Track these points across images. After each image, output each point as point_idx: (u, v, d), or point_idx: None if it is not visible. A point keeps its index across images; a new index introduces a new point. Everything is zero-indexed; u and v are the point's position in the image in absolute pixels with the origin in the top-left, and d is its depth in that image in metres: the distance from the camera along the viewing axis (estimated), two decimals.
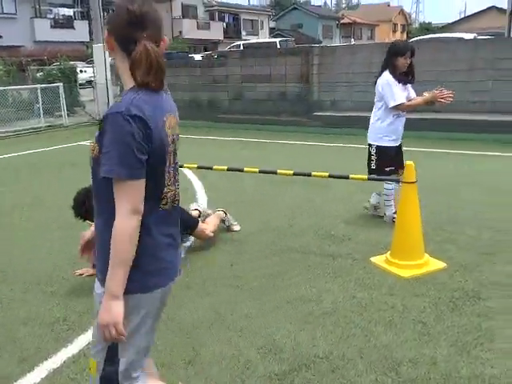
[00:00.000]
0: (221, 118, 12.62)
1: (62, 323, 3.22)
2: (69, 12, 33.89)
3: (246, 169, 4.63)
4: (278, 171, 4.56)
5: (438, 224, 4.68)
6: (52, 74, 15.40)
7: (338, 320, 3.12)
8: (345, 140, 9.41)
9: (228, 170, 4.72)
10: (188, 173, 7.01)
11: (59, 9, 33.50)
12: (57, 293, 3.65)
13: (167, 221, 1.66)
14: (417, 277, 3.67)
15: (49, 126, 13.54)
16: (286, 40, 25.50)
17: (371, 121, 4.79)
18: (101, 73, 13.87)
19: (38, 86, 13.60)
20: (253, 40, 31.35)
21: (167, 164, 1.60)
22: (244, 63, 12.92)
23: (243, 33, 45.81)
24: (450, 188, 5.98)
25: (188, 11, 40.59)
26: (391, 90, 4.51)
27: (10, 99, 14.22)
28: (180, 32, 38.94)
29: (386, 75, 4.57)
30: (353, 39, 47.60)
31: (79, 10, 33.91)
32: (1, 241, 4.84)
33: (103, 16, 14.48)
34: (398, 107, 4.57)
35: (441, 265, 3.84)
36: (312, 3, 61.75)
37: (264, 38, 41.48)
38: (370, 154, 4.78)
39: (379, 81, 4.63)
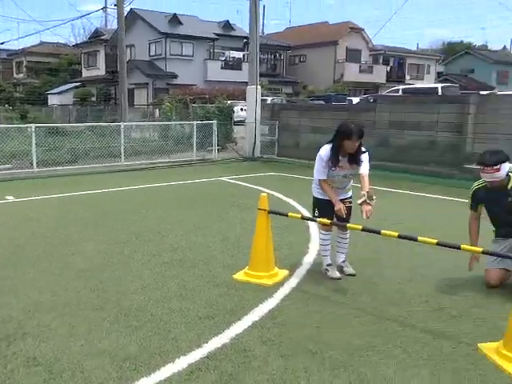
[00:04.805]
0: None
1: (132, 361, 3.22)
2: (239, 55, 36.62)
3: (382, 231, 3.89)
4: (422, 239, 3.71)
5: None
6: (210, 112, 16.59)
7: None
8: None
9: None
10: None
11: (231, 52, 36.42)
12: (140, 328, 3.69)
13: None
14: None
15: (200, 159, 14.49)
16: (448, 86, 24.07)
17: None
18: (251, 112, 14.49)
19: (195, 122, 14.72)
20: (414, 85, 30.37)
21: None
22: (394, 109, 12.53)
23: (407, 77, 44.66)
24: None
25: (352, 55, 40.94)
26: None
27: (173, 133, 15.66)
28: (341, 75, 39.40)
29: None
30: None
31: (247, 53, 36.39)
32: (115, 267, 5.12)
33: (259, 60, 15.21)
34: None
35: None
36: (489, 47, 57.81)
37: (429, 82, 40.04)
38: None
39: None
